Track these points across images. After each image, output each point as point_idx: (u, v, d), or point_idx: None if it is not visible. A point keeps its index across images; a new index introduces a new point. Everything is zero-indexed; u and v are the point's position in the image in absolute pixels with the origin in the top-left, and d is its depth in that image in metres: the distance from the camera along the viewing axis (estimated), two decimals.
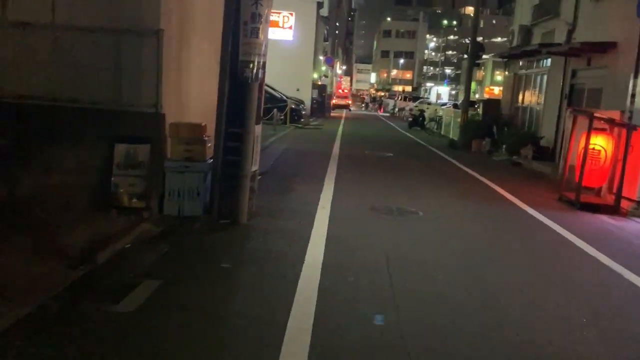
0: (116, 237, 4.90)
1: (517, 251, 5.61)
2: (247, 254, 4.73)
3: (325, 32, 51.56)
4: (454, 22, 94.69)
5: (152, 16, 5.90)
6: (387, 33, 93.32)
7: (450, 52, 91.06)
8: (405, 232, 5.88)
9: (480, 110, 18.66)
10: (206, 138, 6.00)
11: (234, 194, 5.56)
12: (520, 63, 16.49)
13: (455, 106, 27.90)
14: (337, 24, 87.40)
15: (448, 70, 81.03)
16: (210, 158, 5.89)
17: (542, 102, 14.50)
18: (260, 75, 5.44)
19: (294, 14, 20.04)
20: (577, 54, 12.14)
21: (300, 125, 21.75)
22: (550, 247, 5.92)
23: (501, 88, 69.41)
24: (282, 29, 19.93)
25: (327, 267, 4.44)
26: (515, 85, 16.74)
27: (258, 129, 5.69)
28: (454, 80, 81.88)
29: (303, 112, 21.95)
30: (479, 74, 74.77)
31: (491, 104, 18.06)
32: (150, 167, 5.77)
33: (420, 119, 27.47)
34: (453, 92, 77.45)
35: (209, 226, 5.51)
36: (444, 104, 34.37)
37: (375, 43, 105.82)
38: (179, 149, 5.90)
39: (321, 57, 45.24)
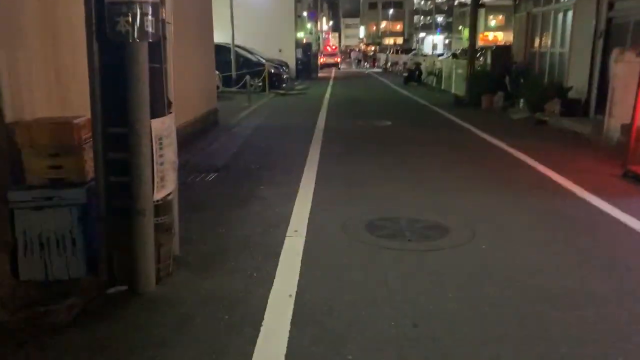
0: None
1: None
2: None
3: None
4: None
5: None
6: None
7: (440, 0, 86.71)
8: (428, 280, 3.50)
9: (486, 60, 16.04)
10: (87, 143, 3.58)
11: (129, 243, 3.18)
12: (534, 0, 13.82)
13: (454, 56, 25.26)
14: None
15: (440, 19, 77.04)
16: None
17: (567, 44, 11.94)
18: (151, 29, 2.97)
19: None
20: None
21: (282, 92, 19.19)
22: None
23: (496, 34, 65.99)
24: None
25: None
26: (529, 27, 14.12)
27: (163, 123, 3.26)
28: (445, 28, 78.09)
29: (285, 76, 19.31)
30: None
31: (500, 52, 15.47)
32: None
33: (417, 73, 24.87)
34: (446, 41, 73.97)
35: (88, 302, 3.14)
36: (441, 55, 31.57)
37: None
38: (38, 166, 3.48)
39: (305, 14, 42.23)
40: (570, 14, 11.82)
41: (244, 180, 6.11)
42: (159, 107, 3.21)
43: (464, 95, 15.57)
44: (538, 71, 13.56)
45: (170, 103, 3.37)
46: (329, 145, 8.24)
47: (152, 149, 3.10)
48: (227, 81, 17.11)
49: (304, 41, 34.78)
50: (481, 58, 18.86)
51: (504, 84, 14.21)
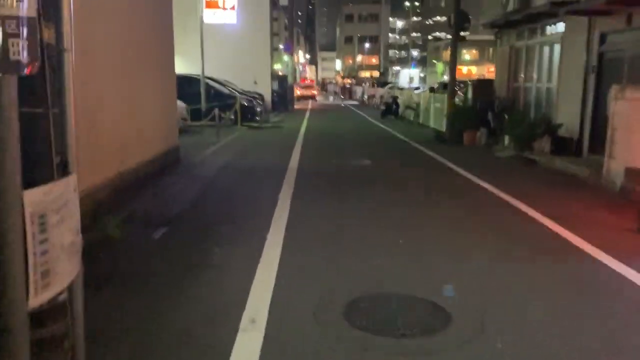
0: None
1: None
2: None
3: (286, 21, 47.84)
4: (417, 3, 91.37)
5: None
6: (349, 17, 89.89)
7: (415, 34, 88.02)
8: None
9: (467, 94, 15.44)
10: None
11: None
12: (518, 33, 13.29)
13: (431, 90, 24.79)
14: (299, 13, 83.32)
15: (415, 53, 77.93)
16: None
17: (555, 79, 11.34)
18: (24, 57, 1.98)
19: None
20: (608, 11, 8.96)
21: (255, 125, 18.30)
22: None
23: (470, 67, 67.15)
24: (223, 10, 16.31)
25: None
26: (512, 61, 13.57)
27: (47, 194, 2.23)
28: (420, 62, 79.00)
29: (258, 109, 18.43)
30: (444, 53, 72.66)
31: (482, 86, 14.88)
32: None
33: (394, 106, 24.34)
34: (422, 74, 74.64)
35: None
36: (417, 88, 31.18)
37: (337, 29, 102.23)
38: None
39: (281, 46, 41.99)
40: (557, 47, 11.25)
41: (197, 239, 5.07)
42: (43, 169, 2.19)
43: (445, 131, 14.87)
44: (523, 107, 12.95)
45: (65, 162, 2.35)
46: (302, 191, 7.26)
47: (25, 234, 2.07)
48: (196, 114, 16.12)
49: (280, 73, 34.21)
50: (459, 92, 18.35)
51: (487, 120, 13.56)
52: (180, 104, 15.02)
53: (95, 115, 5.53)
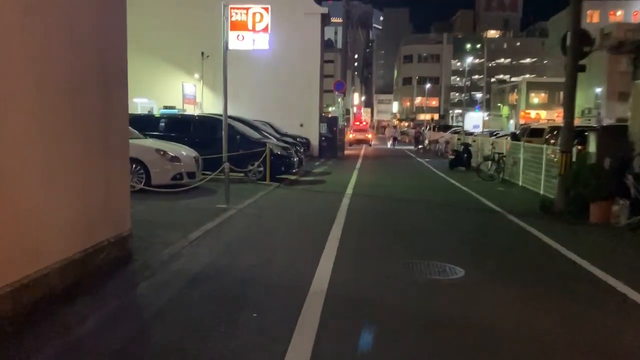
0: None
1: None
2: None
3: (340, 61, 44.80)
4: (478, 45, 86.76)
5: None
6: (408, 58, 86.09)
7: (476, 77, 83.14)
8: None
9: (586, 146, 10.78)
10: None
11: None
12: None
13: (514, 137, 20.19)
14: (356, 55, 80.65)
15: (479, 95, 72.91)
16: None
17: None
18: None
19: (269, 8, 12.76)
20: None
21: (293, 177, 14.34)
22: None
23: (539, 112, 61.63)
24: (254, 33, 12.57)
25: None
26: None
27: None
28: (482, 105, 73.93)
29: (295, 159, 14.38)
30: (511, 97, 67.23)
31: (613, 134, 10.22)
32: None
33: (465, 155, 19.88)
34: (486, 118, 69.44)
35: None
36: (495, 134, 26.39)
37: (395, 70, 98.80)
38: None
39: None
40: None
41: None
42: None
43: (556, 198, 10.27)
44: None
45: None
46: None
47: None
48: (216, 165, 12.17)
49: (330, 115, 30.55)
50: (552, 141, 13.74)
51: (624, 186, 8.94)
52: (188, 152, 11.29)
53: None
